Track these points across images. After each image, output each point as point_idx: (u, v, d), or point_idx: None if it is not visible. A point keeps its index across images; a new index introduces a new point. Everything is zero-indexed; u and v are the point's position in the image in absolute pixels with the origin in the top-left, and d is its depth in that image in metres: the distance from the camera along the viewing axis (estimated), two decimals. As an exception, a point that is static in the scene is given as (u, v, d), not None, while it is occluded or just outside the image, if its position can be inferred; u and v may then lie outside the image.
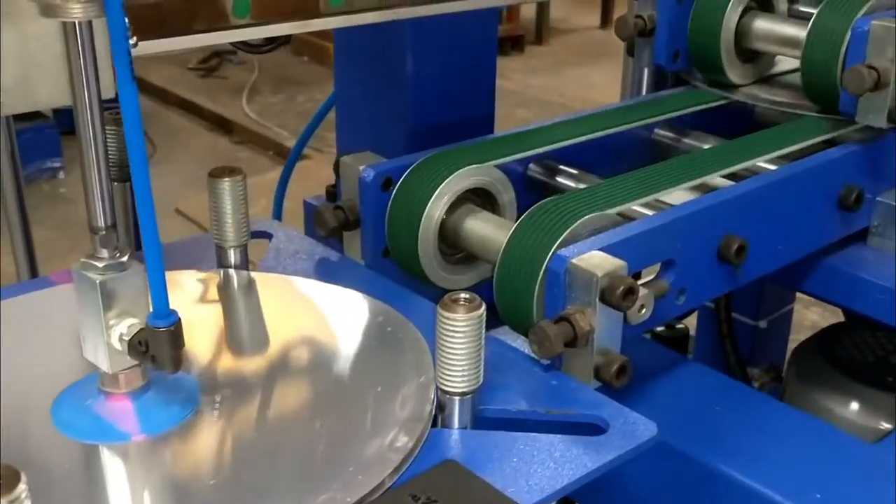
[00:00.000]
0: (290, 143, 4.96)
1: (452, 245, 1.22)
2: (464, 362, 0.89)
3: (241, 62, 6.59)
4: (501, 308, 1.11)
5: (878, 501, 1.07)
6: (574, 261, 1.01)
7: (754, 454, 1.12)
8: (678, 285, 1.15)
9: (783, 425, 1.18)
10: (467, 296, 0.89)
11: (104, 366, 0.89)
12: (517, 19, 6.65)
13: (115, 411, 0.91)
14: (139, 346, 0.85)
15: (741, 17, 1.44)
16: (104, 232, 0.86)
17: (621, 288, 0.99)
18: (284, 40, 1.85)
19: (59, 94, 0.87)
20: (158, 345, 0.83)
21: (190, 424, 0.90)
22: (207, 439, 0.90)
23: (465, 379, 0.90)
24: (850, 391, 1.54)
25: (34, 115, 5.20)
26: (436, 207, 1.19)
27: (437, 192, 1.18)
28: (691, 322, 2.17)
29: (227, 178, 1.15)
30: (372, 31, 1.38)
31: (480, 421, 0.93)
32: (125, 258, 0.88)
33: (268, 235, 1.29)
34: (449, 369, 0.90)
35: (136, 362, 0.88)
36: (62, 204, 4.90)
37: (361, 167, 1.22)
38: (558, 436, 0.91)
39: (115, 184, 1.28)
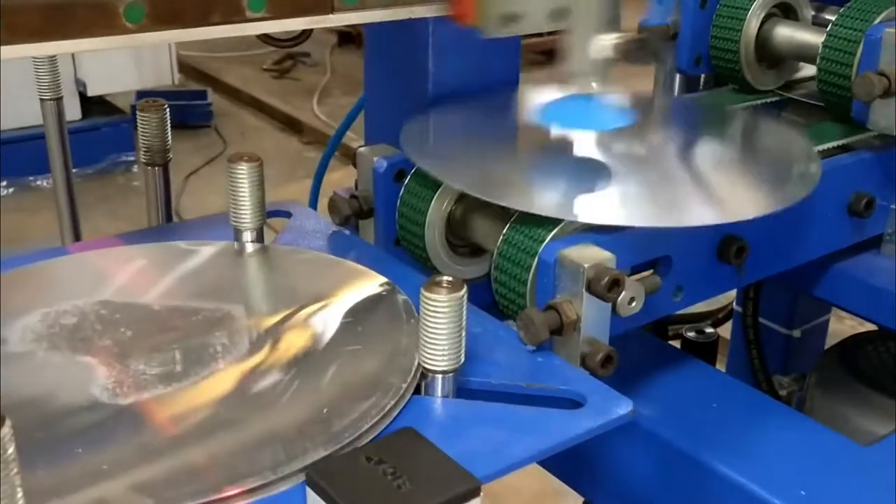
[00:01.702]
0: (357, 144, 5.05)
1: (460, 237, 1.27)
2: (445, 342, 0.93)
3: (314, 64, 6.72)
4: (499, 298, 1.15)
5: (863, 501, 1.09)
6: (563, 252, 1.05)
7: (742, 449, 1.14)
8: (675, 282, 1.18)
9: (776, 424, 1.20)
10: (450, 279, 0.93)
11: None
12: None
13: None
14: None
15: (763, 23, 1.46)
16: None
17: (606, 279, 1.03)
18: (308, 34, 1.90)
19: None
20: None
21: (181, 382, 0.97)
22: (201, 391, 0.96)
23: (445, 358, 0.93)
24: (869, 401, 1.54)
25: (112, 111, 5.38)
26: (443, 199, 1.23)
27: (445, 184, 1.22)
28: (727, 328, 2.18)
29: (244, 163, 1.20)
30: (395, 26, 1.43)
31: (462, 392, 0.97)
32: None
33: (287, 214, 1.34)
34: (431, 348, 0.93)
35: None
36: (135, 196, 5.05)
37: (376, 158, 1.27)
38: (534, 407, 0.94)
39: (148, 168, 1.37)
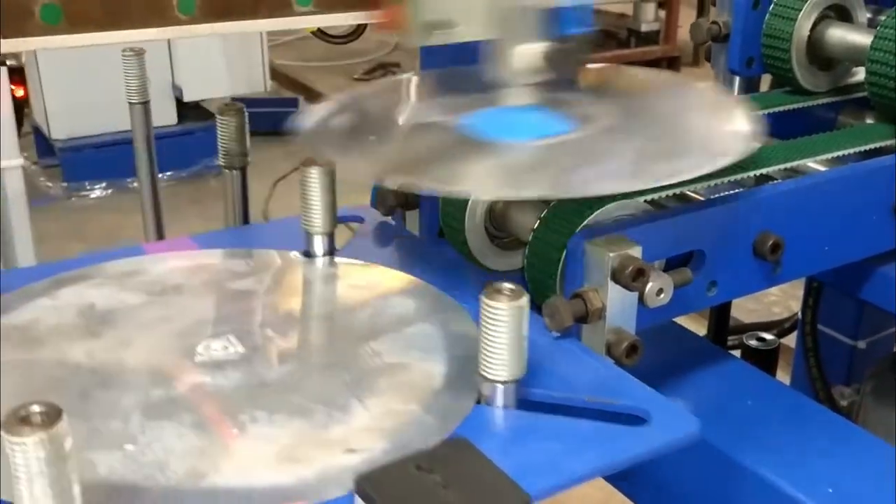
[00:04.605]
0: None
1: (500, 228, 1.30)
2: (505, 351, 0.90)
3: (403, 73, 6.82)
4: (531, 288, 1.18)
5: (891, 500, 1.08)
6: (590, 242, 1.07)
7: (772, 445, 1.15)
8: (709, 277, 1.19)
9: (810, 423, 1.20)
10: (512, 286, 0.90)
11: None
12: (675, 41, 6.61)
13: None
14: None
15: (815, 25, 1.46)
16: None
17: (631, 268, 1.05)
18: (361, 32, 1.94)
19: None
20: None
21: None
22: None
23: (506, 368, 0.91)
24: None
25: (206, 116, 5.55)
26: (483, 191, 1.26)
27: (484, 176, 1.26)
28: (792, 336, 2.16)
29: (316, 167, 1.19)
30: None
31: (523, 403, 0.94)
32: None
33: (360, 219, 1.35)
34: (491, 357, 0.91)
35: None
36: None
37: (420, 152, 1.31)
38: (597, 422, 0.92)
39: (226, 171, 1.40)
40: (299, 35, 7.29)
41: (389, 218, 1.36)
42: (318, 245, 1.23)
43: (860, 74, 1.52)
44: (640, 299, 1.09)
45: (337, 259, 1.24)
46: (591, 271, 1.08)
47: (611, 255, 1.05)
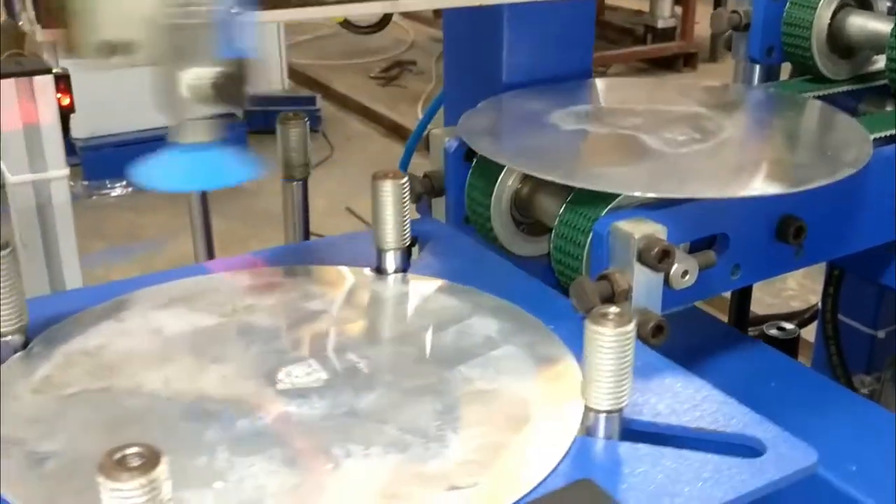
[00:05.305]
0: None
1: (525, 214, 1.32)
2: (610, 379, 0.85)
3: (419, 72, 6.84)
4: (558, 273, 1.20)
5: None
6: (616, 224, 1.09)
7: (796, 425, 1.16)
8: (732, 260, 1.20)
9: (833, 402, 1.22)
10: (617, 310, 0.84)
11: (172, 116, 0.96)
12: (691, 37, 6.61)
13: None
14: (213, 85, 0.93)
15: (835, 13, 1.47)
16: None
17: (657, 249, 1.07)
18: (386, 23, 1.97)
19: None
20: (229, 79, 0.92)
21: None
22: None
23: (611, 396, 0.85)
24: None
25: (226, 115, 5.58)
26: (509, 178, 1.29)
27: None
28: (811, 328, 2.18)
29: (389, 180, 1.14)
30: (472, 19, 1.50)
31: (626, 433, 0.88)
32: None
33: (428, 233, 1.26)
34: (595, 384, 0.85)
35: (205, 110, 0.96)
36: (245, 197, 5.21)
37: (447, 139, 1.34)
38: (708, 454, 0.85)
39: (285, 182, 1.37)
40: (316, 34, 7.33)
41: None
42: (391, 261, 1.16)
43: (881, 62, 1.53)
44: (666, 281, 1.11)
45: (410, 275, 1.17)
46: (617, 253, 1.10)
47: (637, 236, 1.07)
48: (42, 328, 1.03)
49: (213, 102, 0.99)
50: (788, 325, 2.00)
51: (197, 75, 0.98)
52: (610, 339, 0.83)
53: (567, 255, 1.17)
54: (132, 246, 4.59)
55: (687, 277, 1.12)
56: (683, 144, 1.28)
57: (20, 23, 1.15)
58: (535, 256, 1.33)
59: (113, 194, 5.27)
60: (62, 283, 2.02)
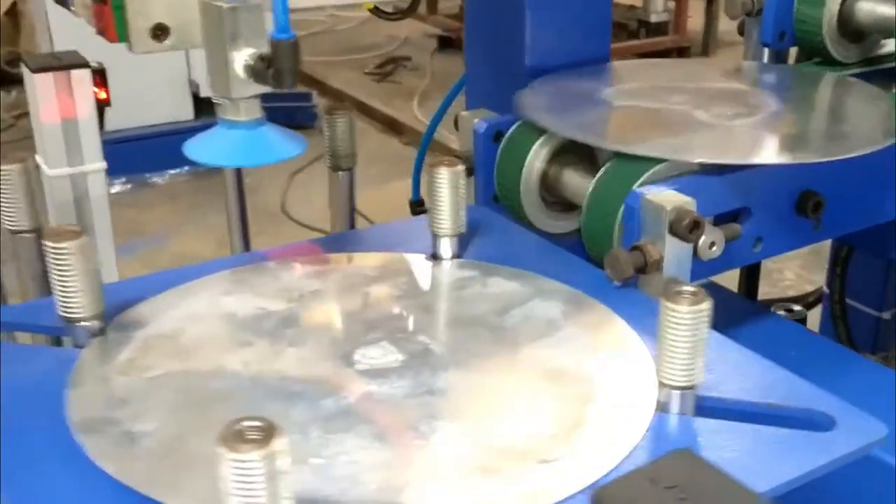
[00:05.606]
0: (457, 145, 5.19)
1: (553, 193, 1.37)
2: (685, 356, 0.88)
3: (414, 68, 6.88)
4: (588, 244, 1.25)
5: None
6: (647, 196, 1.14)
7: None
8: (755, 233, 1.26)
9: (852, 368, 1.27)
10: (692, 288, 0.88)
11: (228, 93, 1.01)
12: (684, 31, 6.68)
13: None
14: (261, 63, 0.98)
15: (845, -1, 1.53)
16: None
17: (687, 220, 1.12)
18: (415, 7, 2.01)
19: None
20: (280, 57, 0.96)
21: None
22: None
23: (685, 372, 0.88)
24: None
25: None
26: (537, 157, 1.33)
27: (538, 143, 1.33)
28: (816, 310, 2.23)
29: (444, 168, 1.16)
30: (494, 4, 1.54)
31: (699, 409, 0.91)
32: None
33: (478, 222, 1.28)
34: (670, 362, 0.88)
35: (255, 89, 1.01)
36: (247, 194, 5.27)
37: (476, 120, 1.39)
38: (783, 429, 0.88)
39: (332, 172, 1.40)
40: (310, 30, 7.37)
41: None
42: (446, 247, 1.19)
43: (889, 45, 1.59)
44: (694, 253, 1.16)
45: (466, 261, 1.20)
46: (648, 224, 1.15)
47: (668, 207, 1.12)
48: (110, 315, 1.04)
49: (265, 82, 1.04)
50: (796, 307, 2.06)
51: (248, 56, 1.03)
52: (685, 316, 0.86)
53: (598, 228, 1.21)
54: (134, 242, 4.60)
55: (714, 248, 1.17)
56: (732, 118, 1.35)
57: (72, 8, 1.19)
58: (563, 234, 1.38)
59: (113, 191, 5.29)
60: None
